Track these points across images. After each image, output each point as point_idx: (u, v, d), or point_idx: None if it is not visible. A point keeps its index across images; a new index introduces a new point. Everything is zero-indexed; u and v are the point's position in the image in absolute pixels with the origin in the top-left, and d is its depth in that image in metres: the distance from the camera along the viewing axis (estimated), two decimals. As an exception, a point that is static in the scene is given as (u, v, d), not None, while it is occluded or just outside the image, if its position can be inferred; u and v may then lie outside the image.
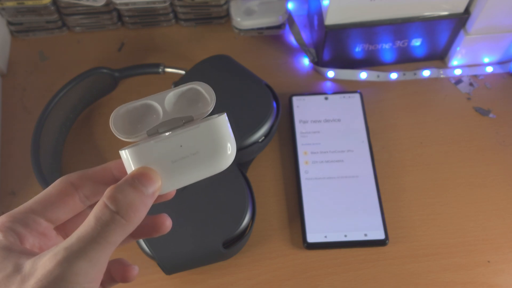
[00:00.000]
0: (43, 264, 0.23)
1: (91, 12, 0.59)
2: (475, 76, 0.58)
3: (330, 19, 0.52)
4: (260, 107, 0.50)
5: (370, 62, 0.59)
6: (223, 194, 0.46)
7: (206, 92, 0.29)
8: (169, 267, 0.44)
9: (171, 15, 0.61)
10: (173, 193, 0.29)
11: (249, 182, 0.48)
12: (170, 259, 0.44)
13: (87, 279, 0.23)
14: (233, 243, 0.45)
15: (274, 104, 0.51)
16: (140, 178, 0.25)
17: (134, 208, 0.24)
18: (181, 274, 0.47)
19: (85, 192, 0.28)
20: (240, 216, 0.45)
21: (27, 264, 0.24)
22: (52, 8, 0.58)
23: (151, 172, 0.26)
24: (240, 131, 0.48)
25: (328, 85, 0.58)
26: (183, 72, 0.56)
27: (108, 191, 0.25)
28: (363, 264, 0.47)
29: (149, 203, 0.25)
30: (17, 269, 0.24)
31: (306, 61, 0.60)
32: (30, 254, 0.25)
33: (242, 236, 0.46)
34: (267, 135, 0.50)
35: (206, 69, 0.52)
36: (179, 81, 0.53)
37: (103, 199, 0.24)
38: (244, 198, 0.46)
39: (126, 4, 0.58)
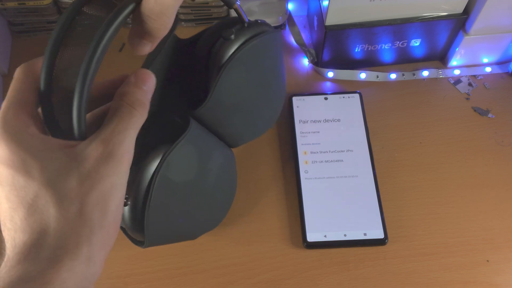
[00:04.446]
0: (94, 148, 0.28)
1: (92, 12, 0.60)
2: (474, 76, 0.59)
3: (330, 20, 0.52)
4: (271, 115, 0.47)
5: (369, 62, 0.59)
6: (219, 189, 0.44)
7: None
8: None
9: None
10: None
11: None
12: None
13: (130, 155, 0.29)
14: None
15: None
16: (141, 79, 0.32)
17: (143, 104, 0.31)
18: (181, 274, 0.47)
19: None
20: (221, 216, 0.46)
21: (77, 151, 0.28)
22: (53, 8, 0.58)
23: (146, 72, 0.32)
24: (250, 134, 0.46)
25: (328, 85, 0.58)
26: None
27: (122, 91, 0.31)
28: (362, 264, 0.47)
29: (150, 93, 0.32)
30: (68, 155, 0.27)
31: (306, 62, 0.60)
32: (65, 144, 0.28)
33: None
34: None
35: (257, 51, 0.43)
36: None
37: (122, 98, 0.30)
38: (230, 201, 0.46)
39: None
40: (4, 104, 0.29)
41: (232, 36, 0.38)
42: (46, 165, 0.27)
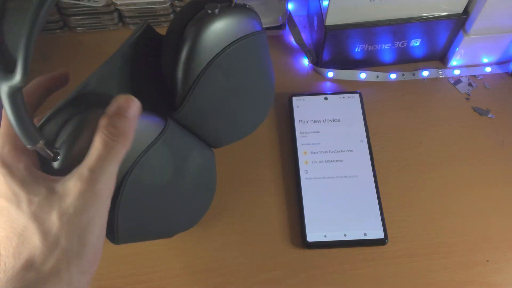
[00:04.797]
0: (74, 185, 0.29)
1: (92, 12, 0.60)
2: (474, 76, 0.59)
3: (330, 20, 0.52)
4: (257, 115, 0.46)
5: (369, 62, 0.59)
6: (196, 189, 0.43)
7: None
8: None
9: (172, 15, 0.61)
10: None
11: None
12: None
13: (109, 188, 0.30)
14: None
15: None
16: (123, 106, 0.31)
17: (126, 133, 0.31)
18: (180, 274, 0.47)
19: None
20: (198, 216, 0.45)
21: (59, 186, 0.29)
22: (53, 8, 0.58)
23: (129, 98, 0.31)
24: (233, 134, 0.46)
25: (328, 85, 0.58)
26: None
27: (103, 123, 0.30)
28: (362, 264, 0.47)
29: (135, 122, 0.32)
30: (51, 191, 0.29)
31: (306, 62, 0.60)
32: (49, 179, 0.30)
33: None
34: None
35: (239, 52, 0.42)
36: None
37: (102, 130, 0.30)
38: (209, 202, 0.45)
39: (127, 5, 0.58)
40: None
41: (217, 11, 0.36)
42: (32, 199, 0.29)
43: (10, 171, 0.30)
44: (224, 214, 0.50)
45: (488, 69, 0.59)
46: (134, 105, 0.31)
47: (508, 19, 0.53)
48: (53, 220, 0.29)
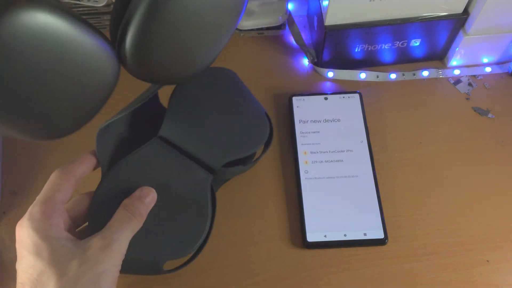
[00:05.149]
0: (96, 241, 0.36)
1: (93, 13, 0.60)
2: (474, 76, 0.59)
3: (330, 20, 0.52)
4: (255, 134, 0.47)
5: (369, 62, 0.59)
6: (185, 212, 0.43)
7: None
8: None
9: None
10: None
11: (215, 207, 0.45)
12: None
13: (121, 250, 0.37)
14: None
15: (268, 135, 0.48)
16: (143, 194, 0.40)
17: (141, 214, 0.39)
18: (180, 274, 0.47)
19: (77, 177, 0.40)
20: (190, 244, 0.42)
21: (83, 243, 0.36)
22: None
23: (148, 190, 0.41)
24: (228, 148, 0.46)
25: (328, 85, 0.58)
26: None
27: (126, 202, 0.39)
28: (362, 264, 0.47)
29: (150, 206, 0.41)
30: (75, 245, 0.36)
31: (306, 62, 0.60)
32: (75, 238, 0.37)
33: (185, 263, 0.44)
34: (252, 161, 0.48)
35: (209, 80, 0.49)
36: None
37: (125, 207, 0.39)
38: (202, 229, 0.43)
39: (127, 4, 0.58)
40: (34, 202, 0.38)
41: None
42: (56, 249, 0.35)
43: (33, 225, 0.36)
44: (224, 214, 0.50)
45: (488, 69, 0.59)
46: (151, 194, 0.41)
47: (508, 19, 0.53)
48: (72, 265, 0.34)
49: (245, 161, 0.48)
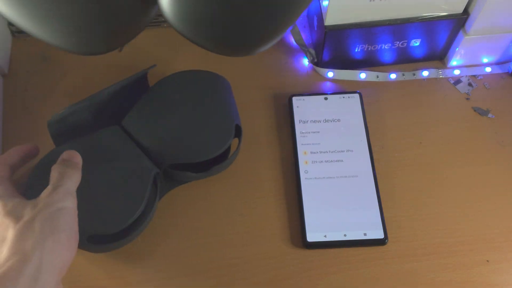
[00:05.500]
0: (43, 195, 0.38)
1: (92, 12, 0.60)
2: (474, 76, 0.59)
3: (330, 20, 0.52)
4: (211, 145, 0.48)
5: (369, 62, 0.59)
6: (121, 195, 0.44)
7: None
8: None
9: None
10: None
11: (155, 198, 0.46)
12: None
13: (70, 191, 0.39)
14: (100, 241, 0.44)
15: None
16: (70, 152, 0.42)
17: (75, 164, 0.42)
18: (180, 275, 0.47)
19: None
20: (116, 224, 0.43)
21: (33, 199, 0.38)
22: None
23: (73, 151, 0.42)
24: (177, 152, 0.47)
25: (328, 85, 0.58)
26: None
27: (58, 161, 0.41)
28: (362, 264, 0.47)
29: (80, 162, 0.42)
30: (25, 199, 0.38)
31: (306, 62, 0.60)
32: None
33: (113, 239, 0.44)
34: (207, 171, 0.49)
35: (196, 83, 0.51)
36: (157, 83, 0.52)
37: (56, 168, 0.40)
38: (132, 212, 0.43)
39: (127, 4, 0.58)
40: None
41: None
42: (6, 204, 0.38)
43: None
44: (224, 214, 0.50)
45: (488, 69, 0.59)
46: (78, 155, 0.42)
47: (508, 19, 0.53)
48: (27, 211, 0.37)
49: (200, 168, 0.49)
